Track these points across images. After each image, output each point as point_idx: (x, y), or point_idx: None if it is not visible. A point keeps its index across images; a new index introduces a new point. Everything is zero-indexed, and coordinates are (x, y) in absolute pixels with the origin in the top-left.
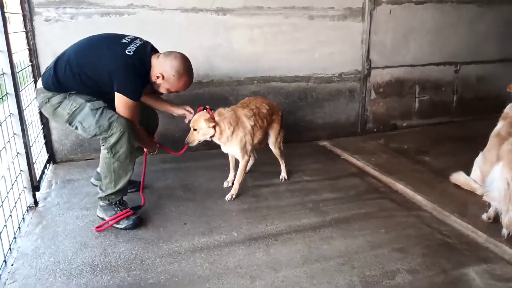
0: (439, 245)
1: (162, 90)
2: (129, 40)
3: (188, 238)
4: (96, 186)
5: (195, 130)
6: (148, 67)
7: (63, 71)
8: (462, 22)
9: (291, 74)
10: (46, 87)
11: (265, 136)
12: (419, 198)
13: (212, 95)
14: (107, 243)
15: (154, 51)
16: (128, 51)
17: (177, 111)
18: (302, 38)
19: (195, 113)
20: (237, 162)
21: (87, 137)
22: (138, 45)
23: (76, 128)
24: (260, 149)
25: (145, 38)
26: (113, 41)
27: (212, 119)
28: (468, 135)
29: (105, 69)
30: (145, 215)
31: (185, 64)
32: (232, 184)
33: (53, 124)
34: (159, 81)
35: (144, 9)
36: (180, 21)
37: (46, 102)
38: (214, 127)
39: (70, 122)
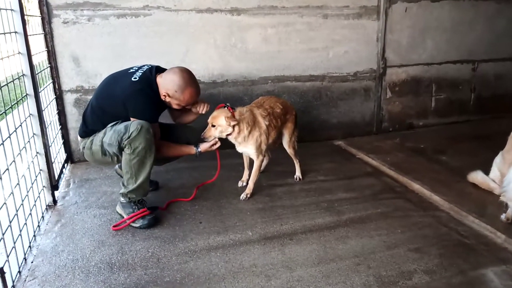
0: (456, 246)
1: (175, 106)
2: (136, 69)
3: (204, 237)
4: (120, 176)
5: (213, 126)
6: (156, 88)
7: (90, 116)
8: (480, 19)
9: (305, 73)
10: (81, 135)
11: (279, 135)
12: (435, 198)
13: (226, 95)
14: (124, 241)
15: (161, 71)
16: (134, 78)
17: (194, 110)
18: (317, 37)
19: (215, 109)
20: (251, 162)
21: (116, 151)
22: (144, 70)
23: (109, 153)
24: (274, 149)
25: (160, 39)
26: (121, 74)
27: (233, 117)
28: (486, 134)
29: (119, 102)
30: (161, 214)
31: (185, 77)
32: (247, 183)
33: (71, 125)
34: (167, 99)
35: (160, 10)
36: (195, 22)
37: (83, 148)
38: (233, 126)
39: (103, 152)
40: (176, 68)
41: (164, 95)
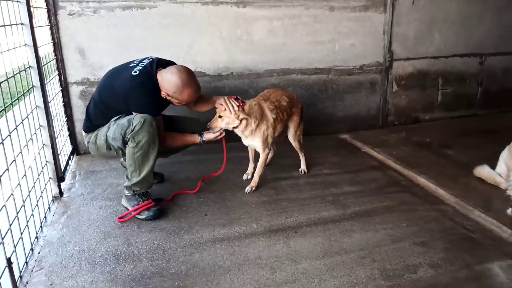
0: (462, 240)
1: (176, 103)
2: (136, 62)
3: (209, 229)
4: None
5: (220, 117)
6: (156, 82)
7: (93, 111)
8: (488, 12)
9: (311, 66)
10: (85, 130)
11: (285, 129)
12: (441, 192)
13: (231, 88)
14: (129, 233)
15: (163, 65)
16: (134, 72)
17: (216, 105)
18: (323, 29)
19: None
20: (256, 155)
21: (120, 145)
22: (145, 64)
23: (113, 147)
24: (279, 142)
25: (166, 31)
26: (122, 68)
27: (243, 111)
28: (492, 128)
29: (120, 96)
30: (166, 206)
31: (182, 78)
32: (252, 176)
33: (76, 117)
34: (168, 98)
35: (165, 2)
36: (200, 14)
37: (88, 143)
38: (241, 119)
39: (108, 146)
40: (174, 68)
41: (164, 94)
